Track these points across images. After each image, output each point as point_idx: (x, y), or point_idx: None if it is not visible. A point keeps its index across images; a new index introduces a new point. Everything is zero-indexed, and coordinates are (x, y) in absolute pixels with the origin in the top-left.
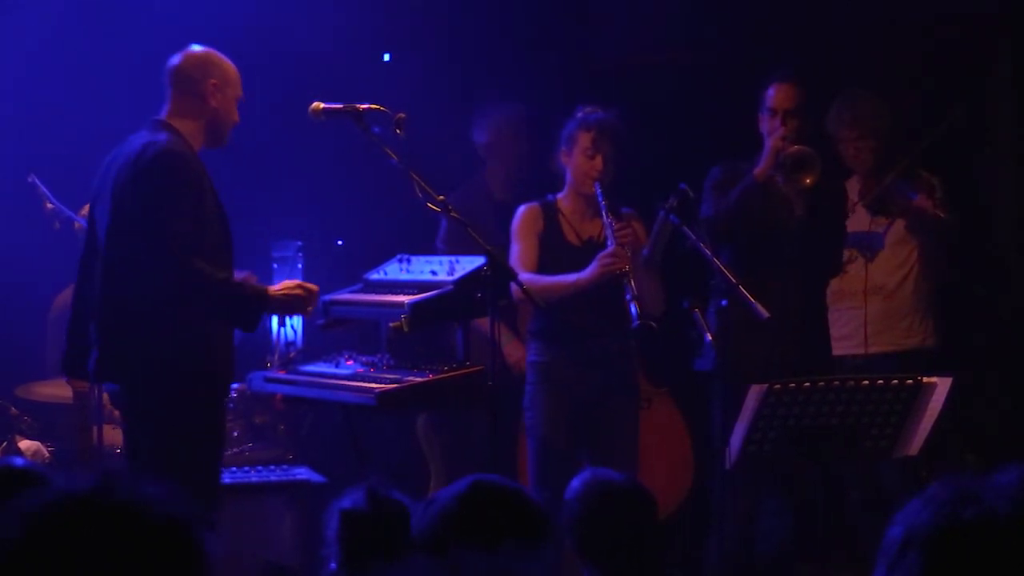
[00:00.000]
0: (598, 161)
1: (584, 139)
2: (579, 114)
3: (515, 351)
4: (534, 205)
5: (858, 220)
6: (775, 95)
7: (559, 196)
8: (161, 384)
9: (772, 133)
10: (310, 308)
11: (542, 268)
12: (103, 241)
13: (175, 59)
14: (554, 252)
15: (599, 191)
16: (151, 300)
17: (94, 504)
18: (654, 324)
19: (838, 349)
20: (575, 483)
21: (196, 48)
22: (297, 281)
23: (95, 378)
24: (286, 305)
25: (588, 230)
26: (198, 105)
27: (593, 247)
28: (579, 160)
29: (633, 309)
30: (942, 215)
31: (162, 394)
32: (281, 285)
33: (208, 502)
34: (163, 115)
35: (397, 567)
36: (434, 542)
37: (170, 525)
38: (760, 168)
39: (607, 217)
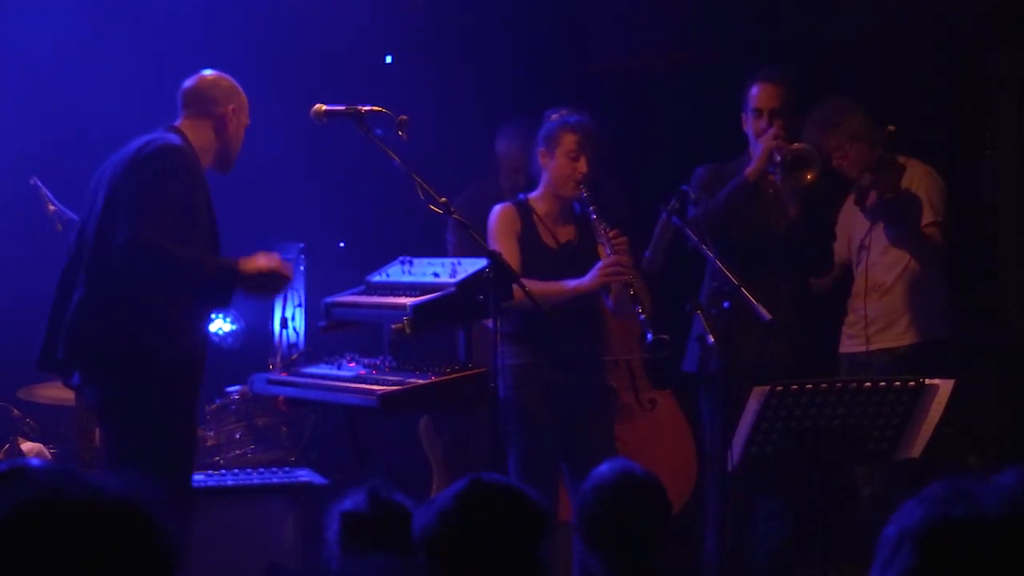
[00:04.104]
0: (582, 163)
1: (568, 141)
2: (554, 114)
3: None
4: (508, 205)
5: (860, 223)
6: (759, 95)
7: (531, 196)
8: (134, 376)
9: (761, 134)
10: (280, 291)
11: (521, 270)
12: (94, 230)
13: (192, 81)
14: (532, 254)
15: (585, 196)
16: (134, 289)
17: (45, 505)
18: (667, 337)
19: (845, 347)
20: (596, 473)
21: (213, 72)
22: (275, 259)
23: (65, 367)
24: (259, 284)
25: (564, 233)
26: (216, 128)
27: (570, 250)
28: (561, 162)
29: (646, 325)
30: (888, 195)
31: (135, 386)
32: (254, 262)
33: (181, 499)
34: (177, 124)
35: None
36: (435, 541)
37: (125, 513)
38: (752, 168)
39: (600, 224)
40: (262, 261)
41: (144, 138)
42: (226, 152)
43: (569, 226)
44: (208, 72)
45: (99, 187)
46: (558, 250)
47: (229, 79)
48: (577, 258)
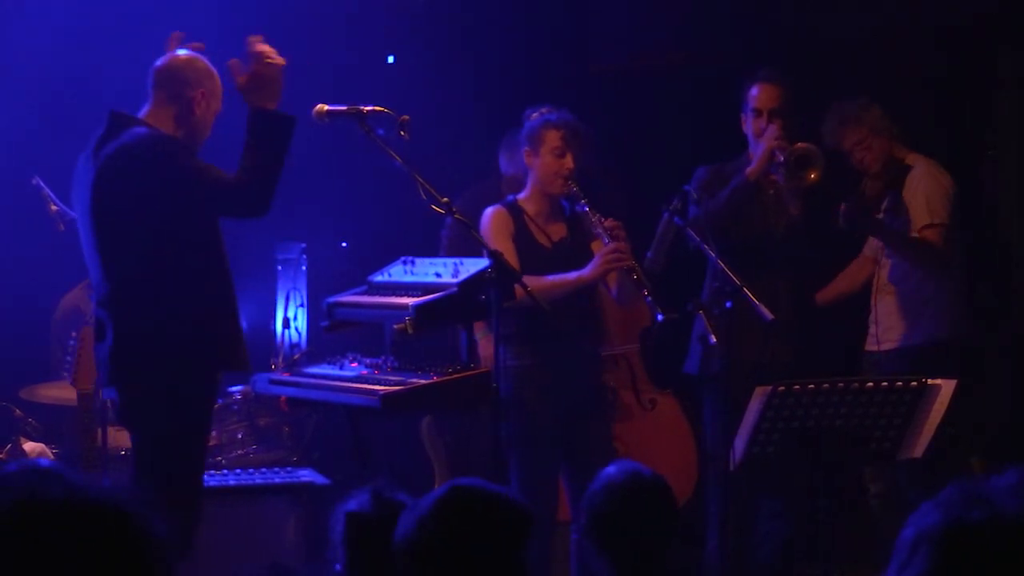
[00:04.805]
0: (568, 160)
1: (552, 138)
2: (534, 113)
3: (488, 346)
4: (500, 208)
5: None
6: (758, 95)
7: (520, 197)
8: (155, 377)
9: (761, 134)
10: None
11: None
12: (96, 243)
13: (164, 60)
14: (527, 254)
15: (575, 190)
16: (152, 289)
17: (26, 506)
18: (676, 315)
19: (867, 345)
20: (605, 474)
21: (187, 53)
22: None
23: (107, 380)
24: (266, 88)
25: (556, 232)
26: (183, 111)
27: (564, 249)
28: (547, 160)
29: (653, 306)
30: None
31: (155, 387)
32: (243, 84)
33: (197, 499)
34: (141, 115)
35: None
36: (415, 549)
37: (106, 514)
38: (752, 168)
39: (594, 215)
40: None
41: (119, 141)
42: (191, 138)
43: (560, 225)
44: (182, 52)
45: (80, 196)
46: (552, 249)
47: (203, 61)
48: (572, 256)
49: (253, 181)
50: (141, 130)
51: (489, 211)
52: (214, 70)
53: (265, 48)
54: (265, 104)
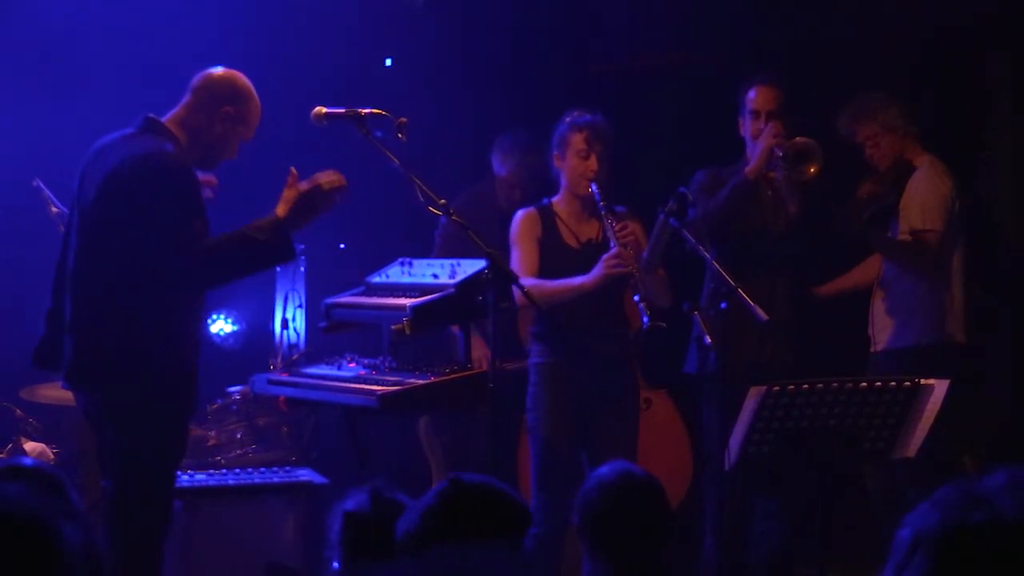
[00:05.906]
0: (592, 161)
1: (577, 140)
2: (567, 118)
3: (480, 347)
4: (531, 210)
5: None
6: (756, 97)
7: (554, 200)
8: (139, 388)
9: (759, 134)
10: (336, 198)
11: (542, 272)
12: (86, 240)
13: (209, 69)
14: (554, 255)
15: (596, 192)
16: (127, 297)
17: None
18: (664, 324)
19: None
20: (597, 474)
21: (226, 70)
22: (307, 183)
23: (68, 384)
24: (308, 211)
25: (586, 232)
26: (203, 124)
27: (592, 248)
28: (573, 162)
29: (643, 310)
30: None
31: (139, 398)
32: (290, 199)
33: (168, 506)
34: (165, 118)
35: (387, 566)
36: (416, 542)
37: (19, 521)
38: (752, 165)
39: (606, 219)
40: (294, 192)
41: (145, 145)
42: (206, 152)
43: (592, 225)
44: (220, 68)
45: (90, 185)
46: (580, 250)
47: (244, 81)
48: (600, 256)
49: (211, 263)
50: (163, 148)
51: (520, 213)
52: (254, 96)
53: (330, 179)
54: (290, 221)
